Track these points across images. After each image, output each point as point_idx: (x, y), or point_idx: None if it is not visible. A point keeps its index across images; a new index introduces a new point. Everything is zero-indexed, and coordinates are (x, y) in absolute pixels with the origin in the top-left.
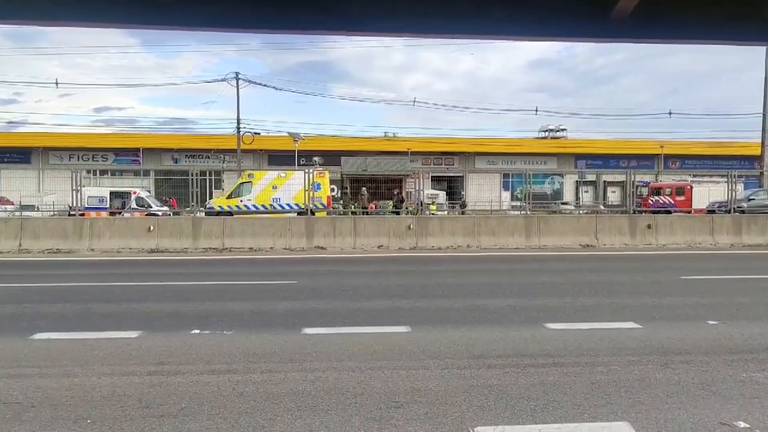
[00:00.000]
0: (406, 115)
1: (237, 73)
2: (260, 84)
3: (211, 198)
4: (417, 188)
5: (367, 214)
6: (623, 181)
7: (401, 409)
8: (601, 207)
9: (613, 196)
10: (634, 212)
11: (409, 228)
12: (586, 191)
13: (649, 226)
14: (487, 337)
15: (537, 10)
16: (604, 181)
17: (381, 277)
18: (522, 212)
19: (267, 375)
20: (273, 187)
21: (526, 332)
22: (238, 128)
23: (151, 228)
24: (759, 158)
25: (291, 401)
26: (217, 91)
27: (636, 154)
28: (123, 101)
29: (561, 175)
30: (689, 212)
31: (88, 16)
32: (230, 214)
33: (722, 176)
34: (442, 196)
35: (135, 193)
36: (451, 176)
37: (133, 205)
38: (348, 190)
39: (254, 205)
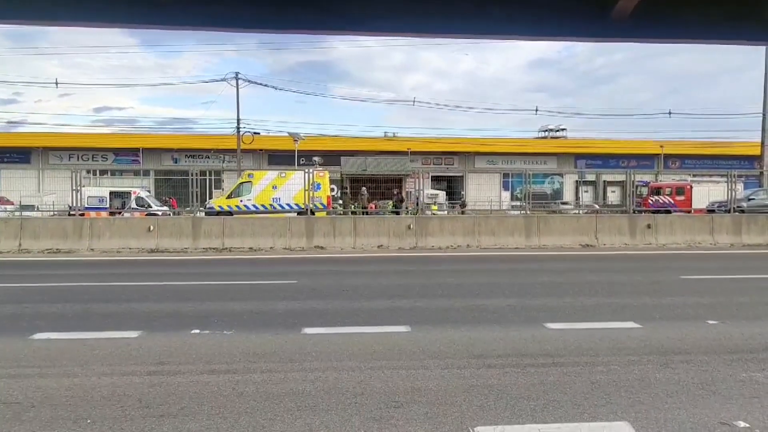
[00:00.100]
0: (406, 115)
1: (237, 73)
2: (260, 84)
3: (211, 198)
4: (417, 188)
5: (366, 213)
6: (623, 181)
7: (401, 408)
8: (596, 206)
9: (613, 195)
10: (633, 212)
11: (409, 228)
12: (586, 191)
13: (648, 226)
14: (487, 337)
15: (537, 9)
16: (604, 181)
17: (381, 277)
18: (522, 212)
19: (267, 375)
20: (273, 187)
21: (526, 332)
22: (238, 128)
23: (151, 228)
24: (759, 158)
25: (291, 401)
26: (217, 91)
27: (636, 153)
28: (123, 101)
29: (561, 175)
30: (689, 212)
31: (88, 16)
32: (230, 214)
33: (722, 176)
34: (441, 195)
35: (135, 193)
36: (451, 176)
37: (133, 205)
38: (348, 190)
39: (254, 205)
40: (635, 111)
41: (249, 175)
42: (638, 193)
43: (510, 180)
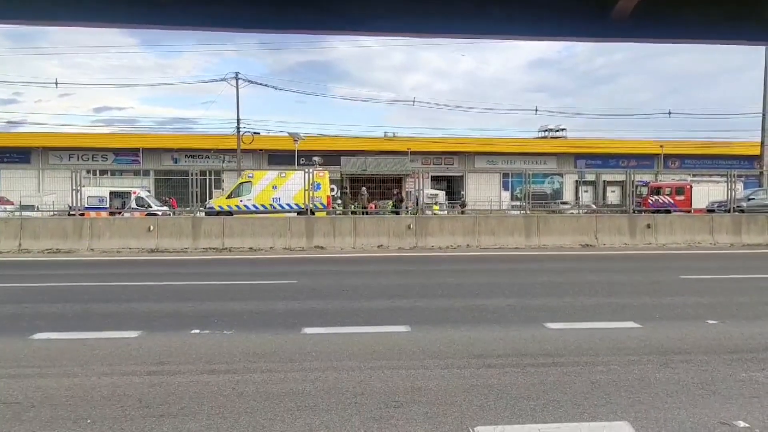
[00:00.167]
0: (406, 115)
1: (237, 73)
2: (260, 84)
3: (211, 198)
4: (417, 188)
5: (366, 213)
6: (623, 181)
7: (401, 408)
8: (593, 206)
9: (613, 195)
10: (633, 212)
11: (409, 228)
12: (586, 191)
13: (648, 226)
14: (487, 337)
15: (537, 9)
16: (604, 181)
17: (381, 277)
18: (522, 212)
19: (267, 375)
20: (273, 187)
21: (526, 332)
22: (238, 128)
23: (151, 228)
24: (759, 158)
25: (291, 401)
26: (217, 91)
27: (635, 153)
28: (123, 101)
29: (561, 175)
30: (689, 212)
31: (88, 16)
32: (230, 213)
33: (722, 176)
34: (441, 195)
35: (135, 193)
36: (451, 176)
37: (133, 205)
38: (348, 190)
39: (254, 205)
40: (635, 111)
41: (249, 175)
42: (638, 193)
43: (510, 180)
